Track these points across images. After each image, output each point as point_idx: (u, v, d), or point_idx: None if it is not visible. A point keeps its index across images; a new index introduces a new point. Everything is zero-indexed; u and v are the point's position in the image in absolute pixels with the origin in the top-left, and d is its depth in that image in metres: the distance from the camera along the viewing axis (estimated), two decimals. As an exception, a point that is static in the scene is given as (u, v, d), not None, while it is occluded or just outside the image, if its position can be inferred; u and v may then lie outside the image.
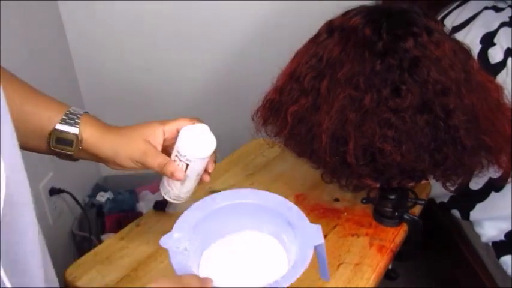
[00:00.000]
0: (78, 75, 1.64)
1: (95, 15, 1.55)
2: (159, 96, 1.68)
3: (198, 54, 1.63)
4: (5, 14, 1.18)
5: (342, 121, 0.76)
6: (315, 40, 0.85)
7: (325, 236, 0.86)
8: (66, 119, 0.66)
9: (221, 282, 0.58)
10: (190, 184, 0.72)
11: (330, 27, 0.83)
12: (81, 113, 0.68)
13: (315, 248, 0.58)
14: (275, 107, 0.87)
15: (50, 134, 0.66)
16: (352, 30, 0.79)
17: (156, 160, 0.68)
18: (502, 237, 1.07)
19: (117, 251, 0.84)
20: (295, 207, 0.64)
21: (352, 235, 0.86)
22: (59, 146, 0.67)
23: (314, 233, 0.59)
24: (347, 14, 0.82)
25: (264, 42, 1.61)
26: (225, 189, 0.99)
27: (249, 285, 0.59)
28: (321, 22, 0.85)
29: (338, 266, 0.80)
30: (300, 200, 0.96)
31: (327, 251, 0.81)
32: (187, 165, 0.68)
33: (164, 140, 0.70)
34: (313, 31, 0.86)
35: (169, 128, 0.70)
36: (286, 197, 0.66)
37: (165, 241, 0.59)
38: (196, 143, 0.68)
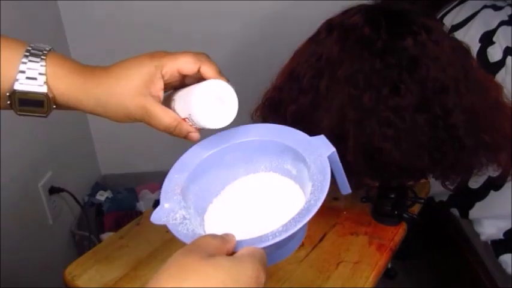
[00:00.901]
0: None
1: (95, 15, 1.55)
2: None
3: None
4: (5, 13, 1.18)
5: (341, 120, 0.76)
6: (314, 39, 0.85)
7: (324, 235, 0.86)
8: (25, 72, 0.52)
9: (244, 236, 0.47)
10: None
11: (330, 26, 0.83)
12: (44, 56, 0.53)
13: (329, 158, 0.52)
14: (274, 106, 0.87)
15: (10, 96, 0.52)
16: (352, 29, 0.79)
17: (162, 121, 0.54)
18: (501, 236, 1.07)
19: (117, 250, 0.84)
20: (287, 128, 0.56)
21: (352, 234, 0.86)
22: (26, 109, 0.54)
23: (321, 145, 0.53)
24: (346, 13, 0.82)
25: (263, 41, 1.60)
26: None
27: (276, 226, 0.46)
28: (321, 21, 0.85)
29: (337, 264, 0.80)
30: (299, 198, 0.96)
31: (326, 251, 0.82)
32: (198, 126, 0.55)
33: (165, 85, 0.56)
34: (313, 30, 0.86)
35: (169, 69, 0.55)
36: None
37: (157, 216, 0.50)
38: (215, 111, 0.53)
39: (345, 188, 0.58)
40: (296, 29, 0.98)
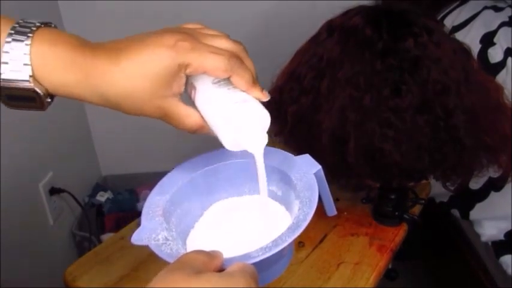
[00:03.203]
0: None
1: (95, 15, 1.55)
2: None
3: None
4: (5, 14, 1.18)
5: (342, 121, 0.76)
6: (315, 40, 0.85)
7: (325, 236, 0.86)
8: (8, 62, 0.43)
9: (231, 253, 0.45)
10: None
11: (330, 27, 0.83)
12: (31, 34, 0.44)
13: (315, 176, 0.51)
14: (275, 107, 0.87)
15: None
16: (353, 30, 0.79)
17: (183, 124, 0.48)
18: (502, 237, 1.07)
19: (117, 251, 0.84)
20: (272, 149, 0.54)
21: (352, 235, 0.86)
22: (16, 104, 0.45)
23: (306, 163, 0.52)
24: (347, 14, 0.82)
25: (264, 41, 1.60)
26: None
27: (262, 245, 0.45)
28: (321, 22, 0.85)
29: (338, 265, 0.80)
30: (300, 199, 0.96)
31: (326, 251, 0.82)
32: None
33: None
34: (313, 31, 0.86)
35: (194, 70, 0.46)
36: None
37: (138, 237, 0.48)
38: (243, 136, 0.50)
39: (331, 209, 0.57)
40: (297, 30, 0.98)
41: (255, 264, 0.42)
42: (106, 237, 1.53)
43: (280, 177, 0.53)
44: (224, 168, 0.55)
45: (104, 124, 1.73)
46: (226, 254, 0.44)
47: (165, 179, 0.55)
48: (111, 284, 0.78)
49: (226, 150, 0.50)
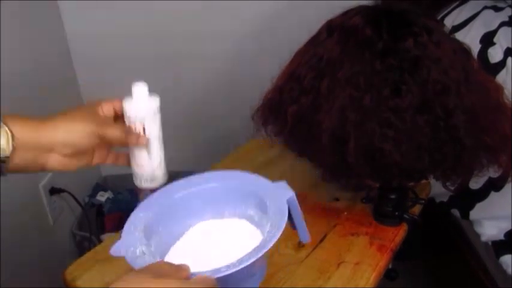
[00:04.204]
0: (77, 75, 1.64)
1: (95, 15, 1.54)
2: (159, 96, 1.68)
3: (198, 54, 1.62)
4: (5, 14, 1.18)
5: (342, 121, 0.76)
6: (315, 40, 0.85)
7: (325, 236, 0.86)
8: None
9: (199, 268, 0.49)
10: (156, 152, 0.66)
11: (330, 27, 0.83)
12: None
13: (288, 203, 0.55)
14: (275, 107, 0.87)
15: None
16: (352, 30, 0.79)
17: (116, 128, 0.61)
18: (502, 237, 1.07)
19: (118, 251, 0.84)
20: (252, 175, 0.61)
21: (352, 234, 0.86)
22: None
23: (282, 189, 0.56)
24: (347, 14, 0.82)
25: (264, 41, 1.60)
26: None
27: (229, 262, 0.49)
28: (321, 22, 0.85)
29: (338, 265, 0.80)
30: (300, 199, 0.95)
31: (326, 251, 0.82)
32: (144, 127, 0.63)
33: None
34: (313, 31, 0.86)
35: (107, 105, 0.63)
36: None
37: (116, 249, 0.53)
38: (141, 100, 0.63)
39: (304, 236, 0.59)
40: (297, 30, 0.98)
41: (224, 280, 0.46)
42: (106, 237, 1.52)
43: (257, 202, 0.57)
44: (207, 191, 0.60)
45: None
46: (199, 269, 0.48)
47: (150, 198, 0.60)
48: (111, 283, 0.77)
49: (210, 174, 0.59)
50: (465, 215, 1.15)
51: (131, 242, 0.53)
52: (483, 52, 1.17)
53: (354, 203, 0.94)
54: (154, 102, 0.64)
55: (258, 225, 0.58)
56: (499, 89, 0.85)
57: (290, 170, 1.05)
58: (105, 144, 0.62)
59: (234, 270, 0.47)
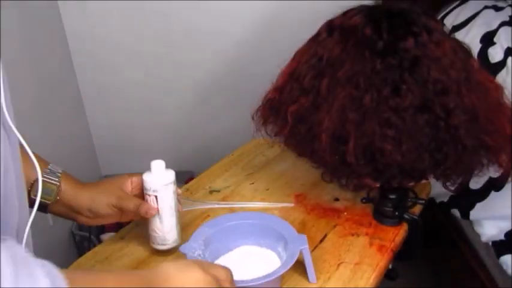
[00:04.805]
0: (77, 75, 1.64)
1: (95, 15, 1.55)
2: (159, 96, 1.68)
3: (198, 54, 1.62)
4: (5, 14, 1.18)
5: (342, 120, 0.76)
6: (315, 39, 0.85)
7: (325, 236, 0.86)
8: (48, 172, 0.75)
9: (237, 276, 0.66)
10: (167, 220, 0.79)
11: (330, 27, 0.83)
12: (60, 171, 0.76)
13: (301, 251, 0.72)
14: (275, 107, 0.87)
15: (32, 183, 0.70)
16: (353, 29, 0.79)
17: (131, 202, 0.77)
18: (502, 237, 1.07)
19: (117, 251, 0.84)
20: (286, 223, 0.78)
21: (352, 234, 0.86)
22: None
23: (300, 240, 0.74)
24: (347, 14, 0.82)
25: (264, 41, 1.60)
26: (225, 188, 1.00)
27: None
28: (321, 22, 0.85)
29: (338, 265, 0.80)
30: (300, 199, 0.96)
31: (326, 251, 0.82)
32: (156, 197, 0.77)
33: (132, 189, 0.80)
34: (313, 31, 0.86)
35: (136, 178, 0.80)
36: (286, 196, 0.70)
37: (183, 248, 0.73)
38: (156, 174, 0.77)
39: (312, 277, 0.75)
40: (297, 30, 0.98)
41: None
42: (106, 237, 1.52)
43: (284, 243, 0.76)
44: (253, 225, 0.79)
45: (104, 124, 1.73)
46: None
47: (217, 218, 0.80)
48: (111, 284, 0.77)
49: (257, 213, 0.83)
50: (465, 215, 1.15)
51: (194, 246, 0.73)
52: (483, 52, 1.17)
53: (354, 203, 0.94)
54: (168, 176, 0.78)
55: (281, 258, 0.76)
56: (499, 88, 0.85)
57: (290, 170, 1.05)
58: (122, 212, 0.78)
59: (259, 282, 0.68)
